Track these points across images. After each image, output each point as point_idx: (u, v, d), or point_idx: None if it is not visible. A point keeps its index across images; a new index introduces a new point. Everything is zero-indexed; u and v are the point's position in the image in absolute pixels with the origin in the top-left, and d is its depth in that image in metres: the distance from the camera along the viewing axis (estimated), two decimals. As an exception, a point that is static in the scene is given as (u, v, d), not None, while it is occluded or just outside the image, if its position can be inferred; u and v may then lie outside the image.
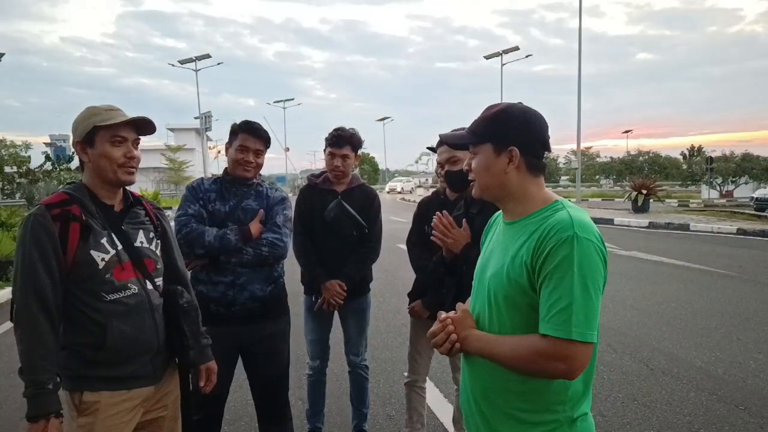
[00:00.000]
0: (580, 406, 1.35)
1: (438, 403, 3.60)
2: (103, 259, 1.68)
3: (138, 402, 1.77)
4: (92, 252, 1.67)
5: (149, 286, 1.79)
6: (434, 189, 2.97)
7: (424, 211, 2.78)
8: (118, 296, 1.70)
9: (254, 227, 2.41)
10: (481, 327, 1.40)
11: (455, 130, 2.63)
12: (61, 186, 1.86)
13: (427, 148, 2.83)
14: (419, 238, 2.77)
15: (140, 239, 1.80)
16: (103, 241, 1.70)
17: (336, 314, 3.03)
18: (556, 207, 1.35)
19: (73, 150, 1.78)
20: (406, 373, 2.94)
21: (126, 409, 1.73)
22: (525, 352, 1.26)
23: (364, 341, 3.10)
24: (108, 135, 1.70)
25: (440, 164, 2.61)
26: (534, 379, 1.30)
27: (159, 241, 1.89)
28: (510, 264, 1.33)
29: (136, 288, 1.75)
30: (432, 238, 2.41)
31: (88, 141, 1.71)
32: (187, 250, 2.34)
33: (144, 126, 1.78)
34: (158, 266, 1.86)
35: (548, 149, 1.42)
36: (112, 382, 1.71)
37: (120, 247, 1.73)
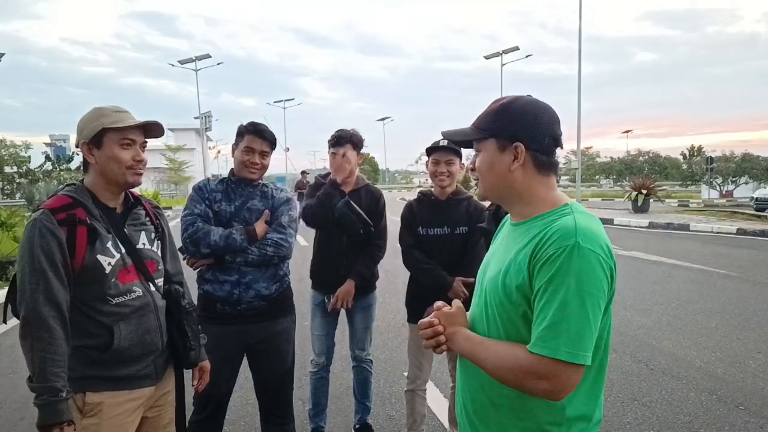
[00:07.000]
0: (581, 430, 1.22)
1: (438, 402, 3.60)
2: (109, 264, 1.67)
3: (141, 402, 1.77)
4: (99, 256, 1.65)
5: (152, 288, 1.79)
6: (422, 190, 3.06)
7: (416, 212, 2.92)
8: (123, 299, 1.70)
9: (259, 227, 2.43)
10: (475, 332, 1.30)
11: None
12: (60, 187, 1.84)
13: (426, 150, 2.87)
14: (414, 240, 2.88)
15: (142, 241, 1.80)
16: (109, 245, 1.68)
17: (342, 310, 3.09)
18: (563, 211, 1.23)
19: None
20: (407, 379, 2.97)
21: (129, 409, 1.73)
22: (509, 363, 1.16)
23: (370, 336, 3.19)
24: (117, 137, 1.68)
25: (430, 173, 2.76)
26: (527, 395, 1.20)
27: (159, 242, 1.88)
28: (506, 268, 1.22)
29: (140, 291, 1.75)
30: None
31: (95, 142, 1.68)
32: (193, 249, 2.37)
33: (152, 129, 1.77)
34: (159, 267, 1.86)
35: (559, 145, 1.28)
36: (115, 382, 1.70)
37: (124, 250, 1.72)
